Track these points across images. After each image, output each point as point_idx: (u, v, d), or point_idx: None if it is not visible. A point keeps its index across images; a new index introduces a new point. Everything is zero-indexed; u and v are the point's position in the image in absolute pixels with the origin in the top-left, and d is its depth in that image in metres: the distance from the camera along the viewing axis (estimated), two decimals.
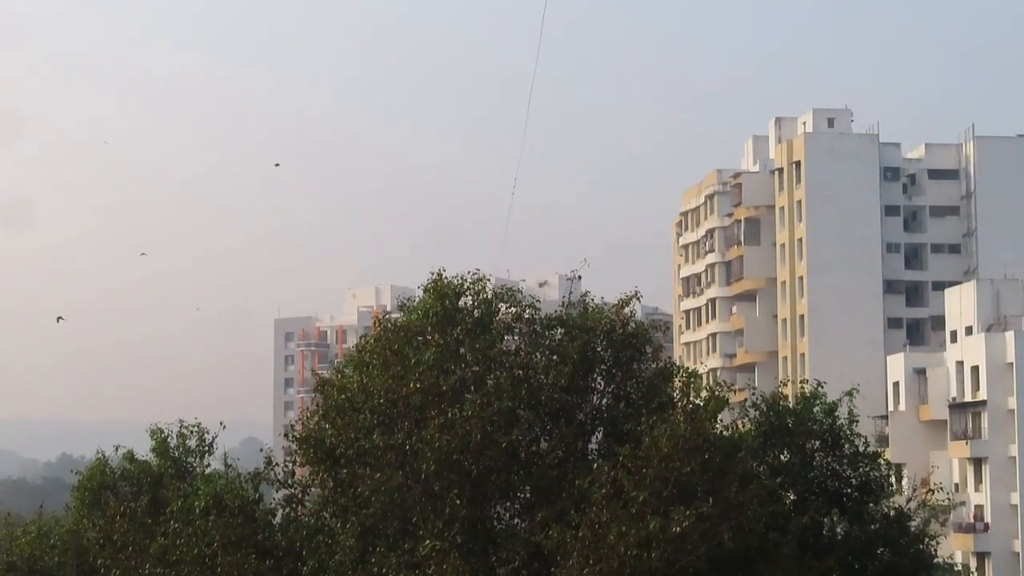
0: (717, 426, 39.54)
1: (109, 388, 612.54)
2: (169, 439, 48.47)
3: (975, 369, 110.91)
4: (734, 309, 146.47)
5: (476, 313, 41.09)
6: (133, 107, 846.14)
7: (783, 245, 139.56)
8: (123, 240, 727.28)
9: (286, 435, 42.59)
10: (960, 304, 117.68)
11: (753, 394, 45.47)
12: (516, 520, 39.84)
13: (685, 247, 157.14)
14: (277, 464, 42.10)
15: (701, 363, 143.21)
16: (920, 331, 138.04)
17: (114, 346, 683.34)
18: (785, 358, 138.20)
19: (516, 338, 41.59)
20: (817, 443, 43.70)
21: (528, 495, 39.50)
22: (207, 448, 48.56)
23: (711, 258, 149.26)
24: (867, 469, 43.92)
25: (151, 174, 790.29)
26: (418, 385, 38.36)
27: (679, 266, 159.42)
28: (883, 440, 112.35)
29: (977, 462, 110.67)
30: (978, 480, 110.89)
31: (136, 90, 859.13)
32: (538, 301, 43.07)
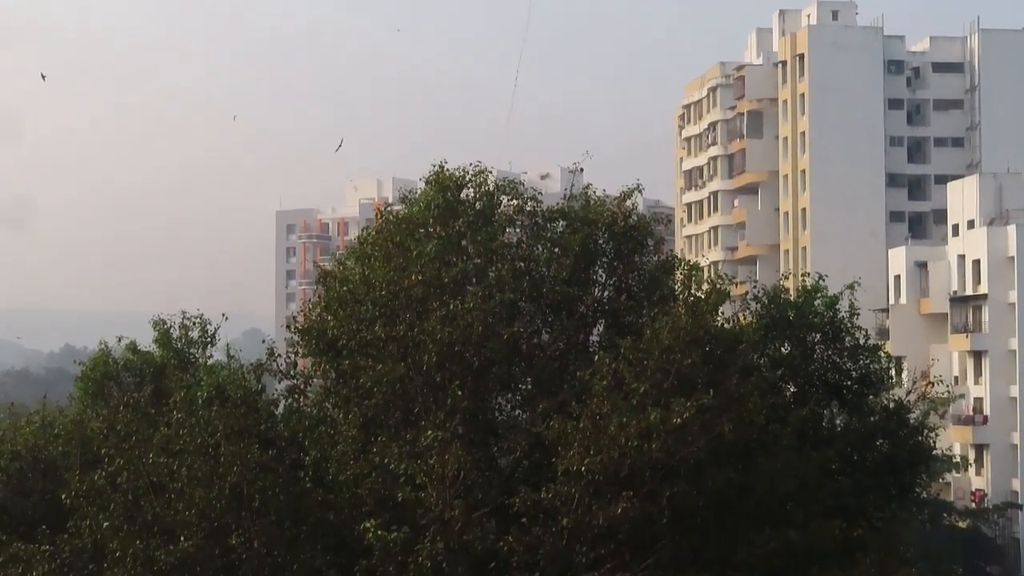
0: (718, 319, 39.66)
1: (112, 279, 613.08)
2: (172, 330, 48.57)
3: (976, 263, 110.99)
4: (736, 202, 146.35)
5: (478, 205, 41.05)
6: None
7: (786, 138, 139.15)
8: (124, 138, 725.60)
9: (288, 327, 42.71)
10: (962, 198, 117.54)
11: (754, 287, 45.57)
12: (517, 411, 40.05)
13: (687, 140, 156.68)
14: (279, 355, 42.22)
15: (703, 256, 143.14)
16: (922, 225, 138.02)
17: (117, 238, 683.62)
18: (787, 251, 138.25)
19: (518, 230, 41.59)
20: (818, 336, 43.81)
21: (529, 387, 39.68)
22: (210, 339, 48.67)
23: (713, 151, 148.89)
24: (867, 362, 44.06)
25: (155, 71, 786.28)
26: (420, 277, 38.41)
27: (681, 159, 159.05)
28: (884, 333, 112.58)
29: (977, 355, 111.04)
30: (978, 373, 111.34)
31: None
32: (540, 193, 42.99)
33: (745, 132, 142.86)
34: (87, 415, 45.86)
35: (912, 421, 44.96)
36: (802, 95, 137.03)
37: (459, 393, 36.84)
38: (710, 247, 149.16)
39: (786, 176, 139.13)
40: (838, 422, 43.72)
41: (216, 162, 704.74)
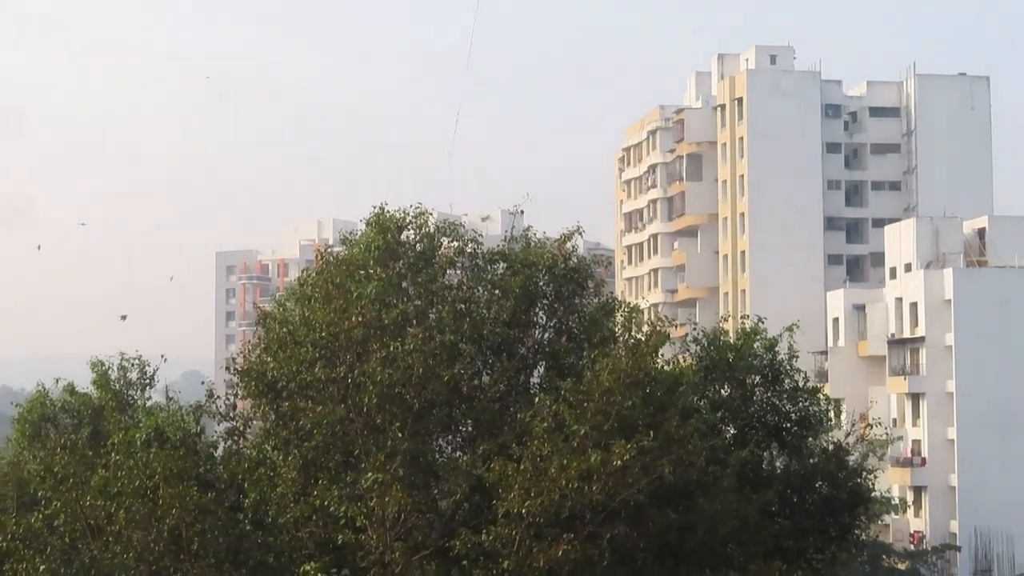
0: (658, 361, 39.73)
1: (49, 321, 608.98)
2: (110, 372, 48.35)
3: (914, 306, 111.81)
4: (676, 245, 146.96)
5: (418, 247, 41.07)
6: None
7: (725, 181, 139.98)
8: (58, 172, 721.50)
9: (227, 368, 42.51)
10: (900, 241, 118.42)
11: (694, 329, 45.70)
12: (458, 453, 39.98)
13: (627, 182, 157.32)
14: (219, 397, 42.05)
15: (643, 298, 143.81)
16: (860, 267, 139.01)
17: (55, 279, 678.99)
18: (726, 294, 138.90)
19: (458, 272, 41.61)
20: (757, 378, 44.00)
21: (470, 428, 39.65)
22: (148, 381, 48.49)
23: (653, 193, 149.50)
24: (806, 404, 44.26)
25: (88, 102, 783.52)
26: (360, 319, 38.34)
27: (621, 201, 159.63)
28: (823, 375, 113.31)
29: (915, 397, 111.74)
30: (916, 415, 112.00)
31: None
32: (480, 235, 43.06)
33: (684, 175, 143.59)
34: (24, 457, 45.55)
35: (851, 463, 45.15)
36: (741, 138, 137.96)
37: (399, 435, 36.76)
38: (650, 289, 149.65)
39: (725, 219, 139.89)
40: (778, 464, 43.87)
41: (151, 202, 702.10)
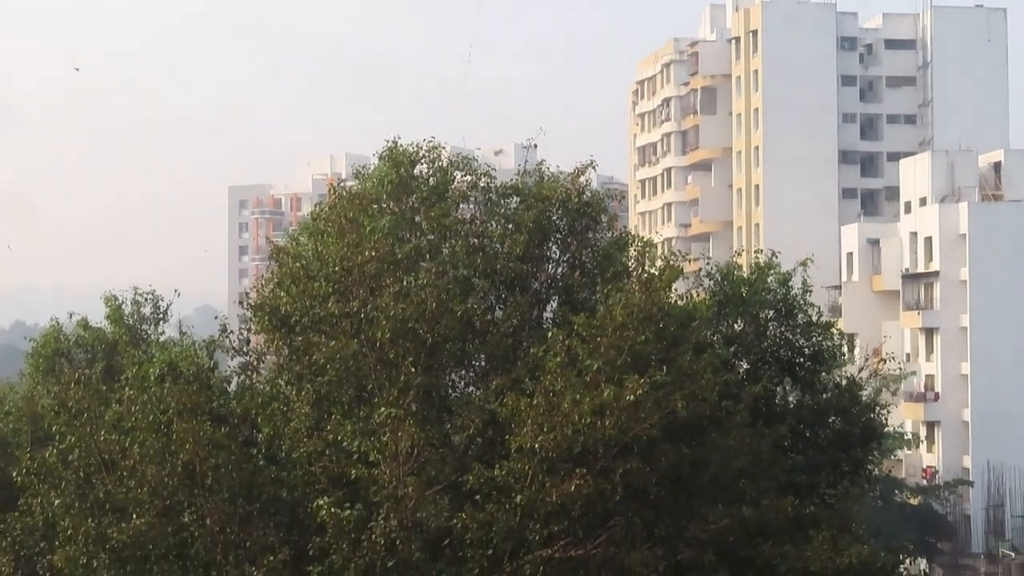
0: (672, 296, 39.65)
1: (62, 254, 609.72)
2: (123, 306, 48.33)
3: (928, 240, 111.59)
4: (689, 178, 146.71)
5: (431, 181, 40.92)
6: None
7: (739, 115, 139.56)
8: (67, 101, 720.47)
9: (241, 303, 42.51)
10: (915, 175, 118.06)
11: (708, 264, 45.58)
12: (471, 388, 39.98)
13: (641, 116, 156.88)
14: (232, 332, 42.03)
15: (656, 232, 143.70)
16: (874, 202, 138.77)
17: (71, 212, 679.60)
18: (740, 228, 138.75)
19: (471, 207, 41.48)
20: (771, 313, 43.87)
21: (483, 363, 39.61)
22: (162, 316, 48.43)
23: (667, 127, 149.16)
24: (820, 339, 44.15)
25: (109, 33, 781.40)
26: (373, 253, 38.24)
27: (635, 135, 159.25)
28: (836, 310, 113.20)
29: (928, 332, 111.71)
30: (929, 350, 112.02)
31: None
32: (494, 170, 42.88)
33: (699, 108, 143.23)
34: (38, 392, 45.62)
35: (864, 398, 45.09)
36: (755, 71, 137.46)
37: (412, 370, 36.74)
38: (664, 223, 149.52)
39: (739, 152, 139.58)
40: (791, 399, 43.83)
41: (163, 135, 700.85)
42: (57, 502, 36.81)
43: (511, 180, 41.92)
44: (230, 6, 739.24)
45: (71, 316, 50.26)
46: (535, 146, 45.54)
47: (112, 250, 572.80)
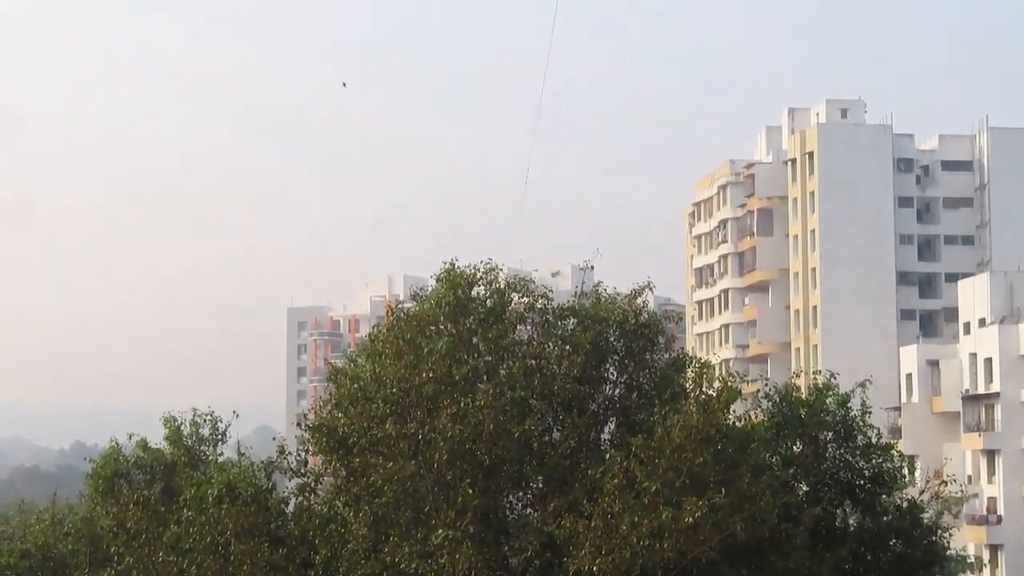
0: (730, 417, 39.54)
1: (123, 376, 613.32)
2: (182, 427, 48.52)
3: (988, 361, 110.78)
4: (747, 300, 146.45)
5: (489, 303, 41.09)
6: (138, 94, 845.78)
7: (796, 236, 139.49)
8: (132, 239, 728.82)
9: (299, 424, 42.61)
10: (973, 296, 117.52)
11: (766, 385, 45.45)
12: (528, 510, 39.87)
13: (698, 238, 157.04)
14: (290, 453, 42.15)
15: (714, 354, 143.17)
16: (933, 323, 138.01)
17: (130, 335, 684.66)
18: (798, 349, 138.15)
19: (529, 328, 41.59)
20: (830, 434, 43.68)
21: (540, 485, 39.52)
22: (220, 437, 48.60)
23: (724, 249, 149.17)
24: (880, 460, 43.89)
25: (160, 166, 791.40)
26: (431, 374, 38.38)
27: (692, 256, 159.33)
28: (896, 432, 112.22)
29: (990, 454, 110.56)
30: (991, 472, 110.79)
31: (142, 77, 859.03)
32: (551, 291, 43.05)
33: (755, 230, 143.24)
34: (97, 512, 45.71)
35: (926, 521, 44.70)
36: (812, 192, 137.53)
37: (470, 491, 36.70)
38: (721, 345, 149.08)
39: (796, 274, 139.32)
40: (851, 521, 43.47)
41: (225, 260, 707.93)
42: None
43: (568, 301, 42.04)
44: (280, 131, 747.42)
45: (130, 437, 50.49)
46: (592, 268, 45.69)
47: (174, 374, 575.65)
